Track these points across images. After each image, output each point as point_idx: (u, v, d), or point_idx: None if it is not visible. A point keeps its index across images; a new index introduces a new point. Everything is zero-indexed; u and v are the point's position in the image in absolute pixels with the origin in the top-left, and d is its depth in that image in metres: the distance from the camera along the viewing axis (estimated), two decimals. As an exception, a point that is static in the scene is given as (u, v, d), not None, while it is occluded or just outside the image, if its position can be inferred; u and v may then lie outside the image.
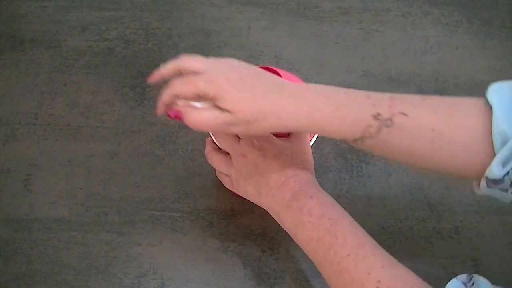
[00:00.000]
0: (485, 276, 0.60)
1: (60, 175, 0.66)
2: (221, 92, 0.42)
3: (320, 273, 0.60)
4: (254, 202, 0.52)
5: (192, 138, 0.68)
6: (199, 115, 0.43)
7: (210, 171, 0.66)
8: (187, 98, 0.44)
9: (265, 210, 0.64)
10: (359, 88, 0.74)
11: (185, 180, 0.65)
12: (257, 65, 0.48)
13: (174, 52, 0.77)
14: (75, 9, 0.81)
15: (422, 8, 0.83)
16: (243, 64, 0.46)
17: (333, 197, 0.64)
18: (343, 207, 0.64)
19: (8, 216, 0.63)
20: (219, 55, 0.77)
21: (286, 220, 0.48)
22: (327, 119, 0.43)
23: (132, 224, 0.62)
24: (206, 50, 0.77)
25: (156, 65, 0.75)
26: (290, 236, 0.62)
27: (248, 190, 0.51)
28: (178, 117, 0.45)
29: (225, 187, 0.64)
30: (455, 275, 0.60)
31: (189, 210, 0.63)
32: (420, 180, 0.66)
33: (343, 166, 0.67)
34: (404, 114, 0.43)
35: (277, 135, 0.52)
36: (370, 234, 0.62)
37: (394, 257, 0.60)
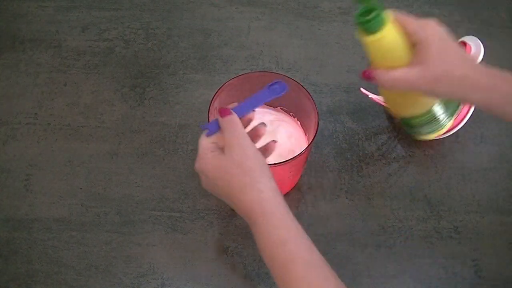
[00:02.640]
0: (485, 276, 0.60)
1: (60, 175, 0.66)
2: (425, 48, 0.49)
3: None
4: None
5: (192, 138, 0.68)
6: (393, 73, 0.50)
7: (210, 171, 0.66)
8: None
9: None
10: (359, 88, 0.74)
11: (185, 180, 0.65)
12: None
13: (174, 52, 0.77)
14: (75, 9, 0.81)
15: (422, 8, 0.83)
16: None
17: (333, 197, 0.65)
18: (343, 207, 0.65)
19: (8, 216, 0.63)
20: (219, 55, 0.77)
21: None
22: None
23: (132, 224, 0.62)
24: (206, 50, 0.77)
25: (156, 65, 0.76)
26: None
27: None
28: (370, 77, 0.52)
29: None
30: (455, 275, 0.60)
31: (189, 210, 0.63)
32: (420, 180, 0.66)
33: (343, 166, 0.67)
34: None
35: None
36: (370, 234, 0.62)
37: (394, 257, 0.61)
